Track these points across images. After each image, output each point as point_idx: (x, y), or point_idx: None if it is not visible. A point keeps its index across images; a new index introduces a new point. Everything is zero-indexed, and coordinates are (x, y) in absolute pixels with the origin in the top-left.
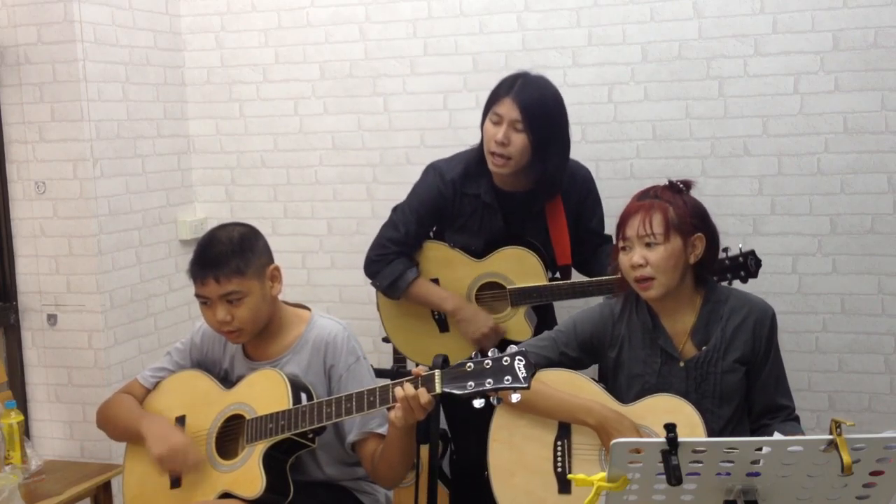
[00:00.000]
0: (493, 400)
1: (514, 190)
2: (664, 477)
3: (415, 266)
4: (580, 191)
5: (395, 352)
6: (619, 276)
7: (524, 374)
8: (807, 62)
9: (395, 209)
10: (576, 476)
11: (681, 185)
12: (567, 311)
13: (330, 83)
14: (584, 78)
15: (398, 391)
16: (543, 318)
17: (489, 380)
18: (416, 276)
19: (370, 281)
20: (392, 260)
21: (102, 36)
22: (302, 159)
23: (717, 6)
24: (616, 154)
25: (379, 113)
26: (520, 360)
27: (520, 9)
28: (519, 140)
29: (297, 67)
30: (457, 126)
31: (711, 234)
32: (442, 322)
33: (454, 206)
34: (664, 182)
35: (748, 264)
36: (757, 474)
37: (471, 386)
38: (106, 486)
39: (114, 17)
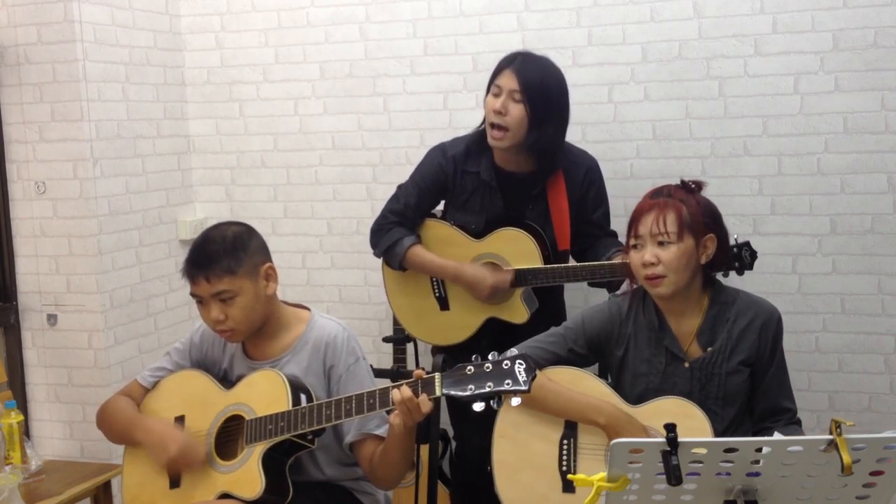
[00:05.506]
0: (493, 403)
1: (514, 170)
2: (664, 477)
3: (414, 235)
4: (584, 180)
5: (395, 352)
6: (618, 261)
7: (524, 378)
8: (807, 62)
9: (399, 186)
10: (576, 476)
11: (693, 185)
12: (574, 307)
13: (330, 83)
14: (584, 78)
15: (395, 395)
16: (552, 307)
17: (489, 383)
18: (413, 242)
19: (373, 251)
20: (391, 228)
21: (102, 36)
22: (302, 159)
23: (717, 6)
24: (616, 154)
25: (379, 113)
26: (520, 363)
27: (520, 9)
28: (516, 110)
29: (297, 67)
30: (457, 126)
31: (722, 235)
32: (443, 300)
33: (455, 182)
34: (669, 181)
35: (742, 255)
36: (757, 474)
37: (471, 389)
38: (106, 486)
39: (114, 17)
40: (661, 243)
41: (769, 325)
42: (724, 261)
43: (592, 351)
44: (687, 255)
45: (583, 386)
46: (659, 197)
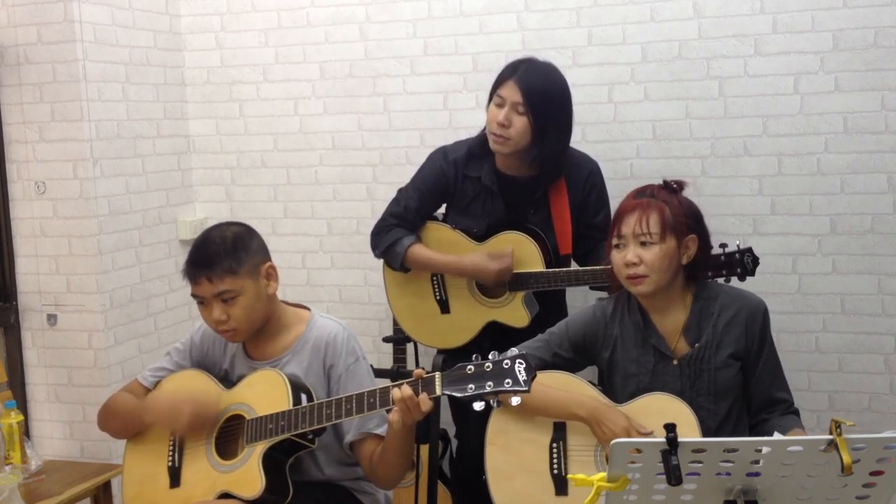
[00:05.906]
0: (492, 403)
1: (516, 175)
2: (664, 477)
3: (414, 235)
4: (585, 183)
5: (395, 352)
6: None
7: (524, 378)
8: (807, 62)
9: (399, 189)
10: (575, 476)
11: (675, 186)
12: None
13: (330, 83)
14: (584, 78)
15: (395, 393)
16: (553, 311)
17: (489, 383)
18: (413, 241)
19: (374, 253)
20: (391, 229)
21: (102, 36)
22: (302, 159)
23: (717, 6)
24: (616, 154)
25: (379, 113)
26: (520, 363)
27: (520, 9)
28: (519, 123)
29: (297, 67)
30: (457, 126)
31: (704, 236)
32: (443, 303)
33: (456, 186)
34: (659, 181)
35: (745, 262)
36: (757, 474)
37: (471, 389)
38: (106, 486)
39: (114, 17)
40: (643, 243)
41: (755, 317)
42: (706, 261)
43: (579, 354)
44: (669, 255)
45: (570, 389)
46: (642, 197)
